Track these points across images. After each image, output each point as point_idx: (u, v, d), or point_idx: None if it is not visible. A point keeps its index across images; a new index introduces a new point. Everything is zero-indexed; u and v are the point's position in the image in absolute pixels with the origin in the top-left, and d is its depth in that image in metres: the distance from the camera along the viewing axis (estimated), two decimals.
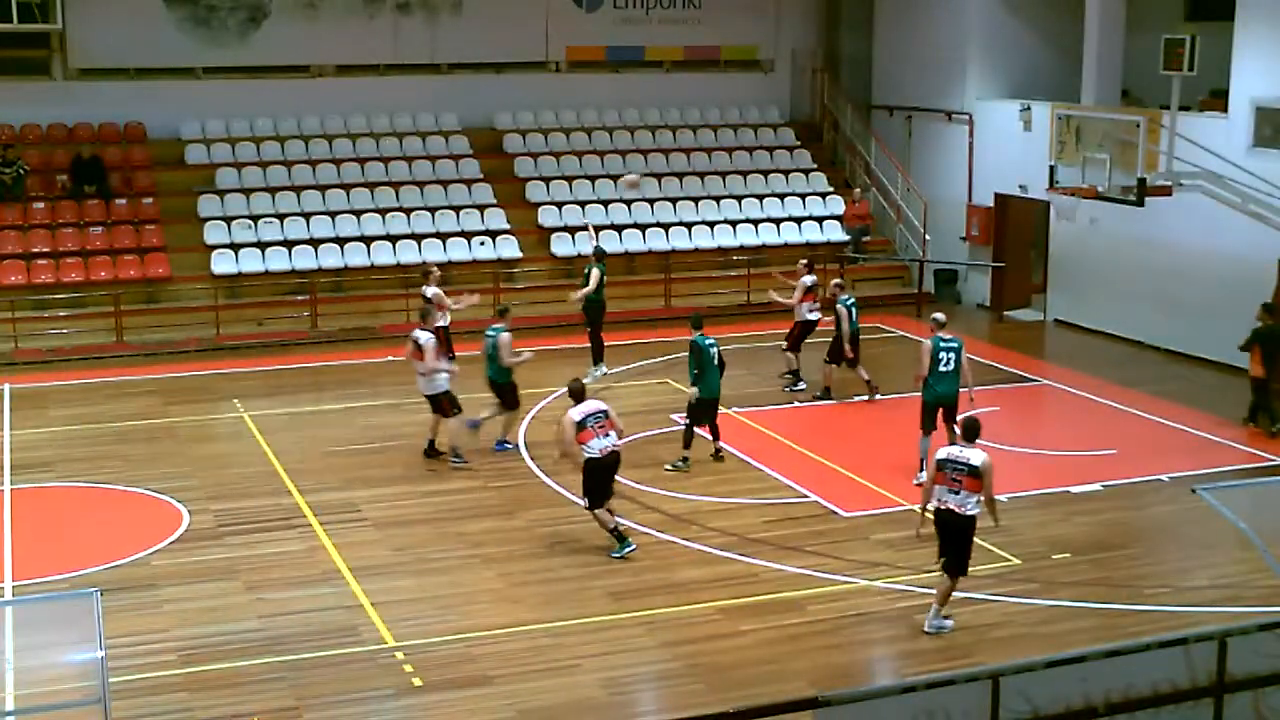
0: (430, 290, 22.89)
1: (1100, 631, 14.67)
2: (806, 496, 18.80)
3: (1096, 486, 19.16)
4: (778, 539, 17.25)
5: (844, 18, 34.80)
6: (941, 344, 19.11)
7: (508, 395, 20.65)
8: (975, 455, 14.35)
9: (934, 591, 14.87)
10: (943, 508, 14.45)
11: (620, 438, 16.74)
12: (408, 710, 13.22)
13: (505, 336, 20.31)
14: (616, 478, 16.99)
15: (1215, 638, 9.66)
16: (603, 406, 16.72)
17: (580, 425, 16.46)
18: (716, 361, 20.04)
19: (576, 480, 19.25)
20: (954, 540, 14.50)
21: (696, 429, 20.05)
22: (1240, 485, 13.85)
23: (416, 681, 13.67)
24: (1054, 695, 9.31)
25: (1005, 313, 30.13)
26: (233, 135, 31.31)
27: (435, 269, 24.04)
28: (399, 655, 14.21)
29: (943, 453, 14.61)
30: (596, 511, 16.71)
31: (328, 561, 16.63)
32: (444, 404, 19.99)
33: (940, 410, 19.13)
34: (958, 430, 17.88)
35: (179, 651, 14.24)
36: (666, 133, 33.86)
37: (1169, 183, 22.75)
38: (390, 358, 25.89)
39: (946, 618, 14.75)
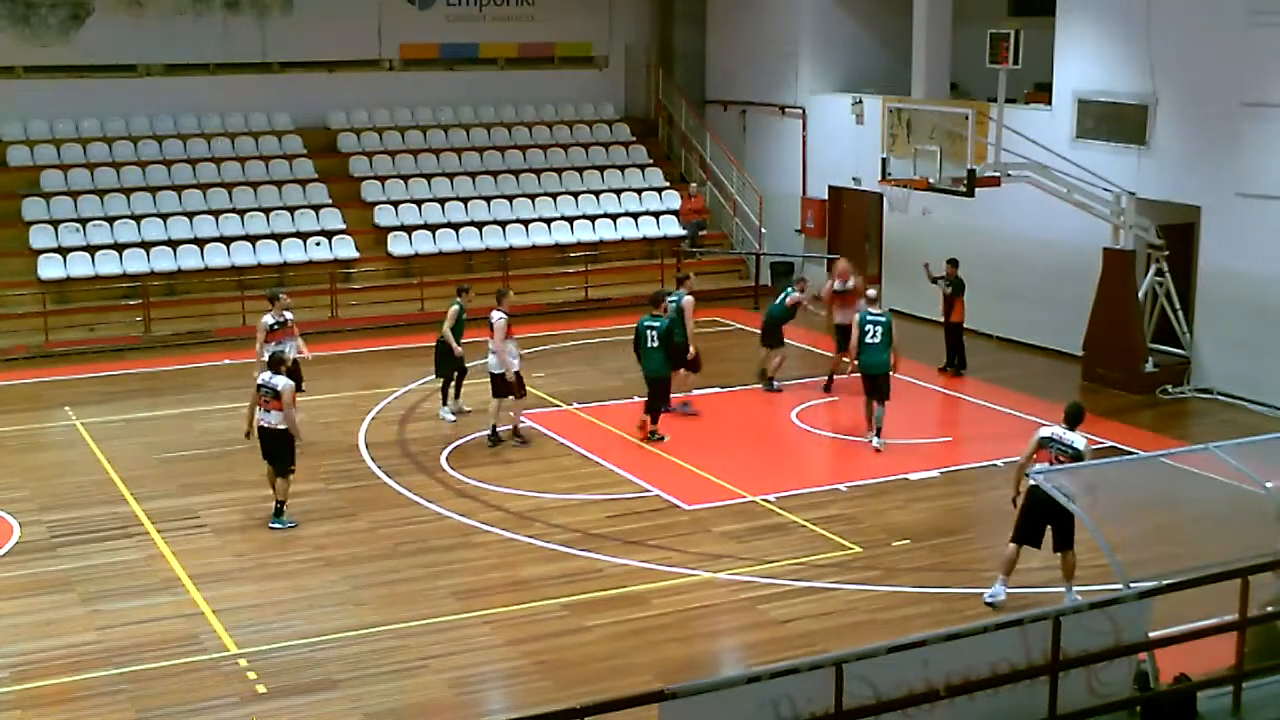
0: (269, 319, 20.95)
1: (940, 615, 14.94)
2: (648, 490, 18.87)
3: (934, 473, 19.49)
4: (621, 534, 17.31)
5: (677, 13, 35.01)
6: (868, 318, 20.34)
7: (682, 359, 21.61)
8: (1078, 440, 14.76)
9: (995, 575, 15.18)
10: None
11: (283, 420, 17.31)
12: (252, 718, 13.05)
13: (688, 300, 21.79)
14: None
15: (1049, 617, 9.85)
16: (276, 385, 17.34)
17: (258, 390, 17.61)
18: (651, 342, 20.60)
19: (418, 480, 19.25)
20: (1062, 518, 14.53)
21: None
22: (1072, 468, 14.15)
23: (261, 688, 13.48)
24: (897, 680, 9.42)
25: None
26: (57, 136, 30.57)
27: (284, 294, 21.75)
28: (242, 663, 14.00)
29: (1047, 431, 14.90)
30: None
31: (167, 570, 16.32)
32: (511, 384, 20.51)
33: (871, 379, 20.32)
34: (875, 404, 20.37)
35: (12, 669, 13.87)
36: (502, 130, 33.75)
37: (997, 173, 23.15)
38: (227, 361, 25.54)
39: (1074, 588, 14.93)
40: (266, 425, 17.50)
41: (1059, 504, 14.08)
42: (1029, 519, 14.85)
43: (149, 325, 27.58)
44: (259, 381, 17.66)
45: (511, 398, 20.65)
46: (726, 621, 15.17)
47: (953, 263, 24.41)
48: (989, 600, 15.06)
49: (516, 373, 20.58)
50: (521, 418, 20.99)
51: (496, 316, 20.51)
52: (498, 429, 20.73)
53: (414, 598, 15.52)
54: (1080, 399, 22.92)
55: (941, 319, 24.79)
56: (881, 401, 20.36)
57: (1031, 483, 14.45)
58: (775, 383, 23.43)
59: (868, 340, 20.22)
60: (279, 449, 17.57)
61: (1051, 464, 14.67)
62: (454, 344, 21.45)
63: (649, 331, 20.65)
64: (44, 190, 29.30)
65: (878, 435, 20.42)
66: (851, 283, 23.71)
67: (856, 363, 20.53)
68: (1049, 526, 14.80)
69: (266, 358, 20.45)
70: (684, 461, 20.02)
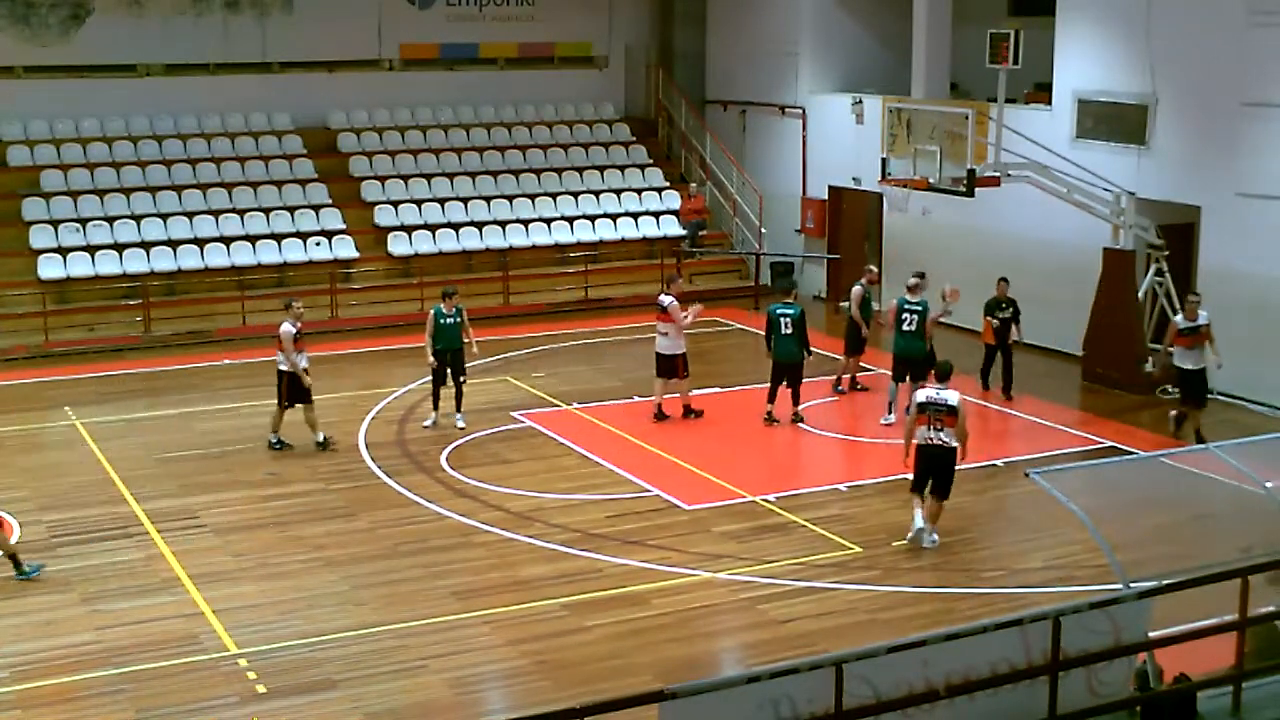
0: (293, 327, 20.32)
1: (940, 615, 14.94)
2: (648, 490, 18.86)
3: None
4: (621, 534, 17.30)
5: (677, 13, 35.01)
6: (906, 305, 21.29)
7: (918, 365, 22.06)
8: (951, 395, 16.17)
9: (922, 520, 16.67)
10: (931, 443, 16.23)
11: None
12: (252, 718, 13.04)
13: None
14: None
15: (1049, 617, 9.84)
16: None
17: None
18: (785, 329, 21.16)
19: (418, 480, 19.23)
20: (941, 470, 16.35)
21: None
22: (1072, 468, 14.14)
23: (260, 688, 13.48)
24: (896, 680, 9.42)
25: (841, 304, 30.47)
26: (57, 136, 30.55)
27: (296, 303, 20.90)
28: (242, 663, 14.00)
29: (921, 396, 16.24)
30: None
31: (167, 570, 16.32)
32: (679, 365, 21.50)
33: (906, 365, 21.23)
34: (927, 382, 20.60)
35: (12, 668, 13.86)
36: (502, 130, 33.74)
37: (997, 174, 23.14)
38: (227, 361, 25.54)
39: (934, 533, 16.64)
40: None
41: (939, 459, 16.27)
42: (919, 472, 16.52)
43: (149, 325, 27.56)
44: None
45: (675, 379, 21.63)
46: (726, 621, 15.17)
47: (1005, 280, 23.34)
48: (928, 546, 16.61)
49: (684, 354, 21.54)
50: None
51: (669, 300, 21.40)
52: (663, 408, 21.68)
53: (414, 598, 15.51)
54: (1081, 398, 23.26)
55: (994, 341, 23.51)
56: (916, 381, 21.00)
57: (917, 443, 16.28)
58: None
59: (905, 328, 21.15)
60: None
61: (929, 424, 16.10)
62: (429, 354, 21.32)
63: (782, 319, 21.17)
64: (44, 190, 29.28)
65: None
66: (1200, 320, 20.62)
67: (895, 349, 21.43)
68: (931, 477, 16.44)
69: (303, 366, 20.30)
70: (684, 461, 20.01)
